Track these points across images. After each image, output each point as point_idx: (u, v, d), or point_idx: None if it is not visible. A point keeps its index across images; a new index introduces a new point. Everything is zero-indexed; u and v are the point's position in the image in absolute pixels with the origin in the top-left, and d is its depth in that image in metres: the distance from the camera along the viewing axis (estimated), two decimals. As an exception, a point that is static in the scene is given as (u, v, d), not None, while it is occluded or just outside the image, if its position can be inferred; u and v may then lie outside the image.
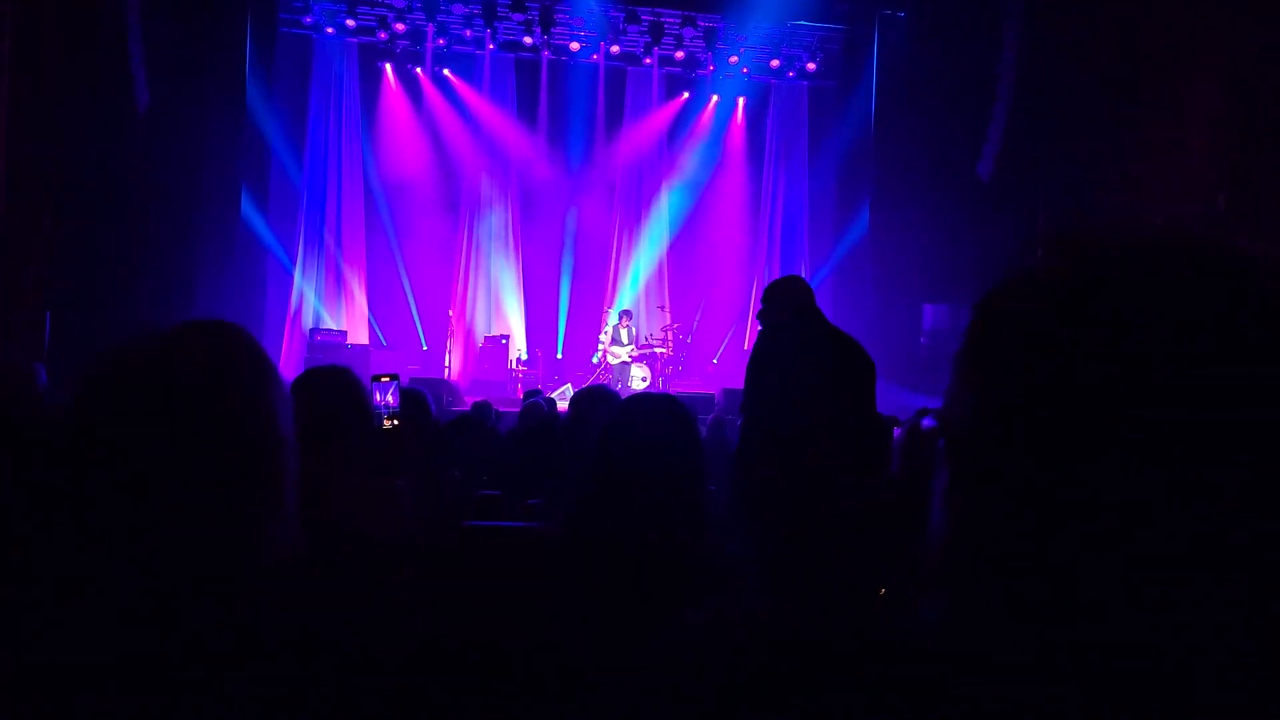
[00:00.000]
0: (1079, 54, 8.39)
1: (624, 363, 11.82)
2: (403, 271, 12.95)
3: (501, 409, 7.73)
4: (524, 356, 12.61)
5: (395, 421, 1.96)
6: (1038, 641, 0.49)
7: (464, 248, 13.27)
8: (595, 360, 12.38)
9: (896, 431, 4.00)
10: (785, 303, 2.92)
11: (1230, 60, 6.59)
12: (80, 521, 0.81)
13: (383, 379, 2.06)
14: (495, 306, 13.34)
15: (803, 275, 13.64)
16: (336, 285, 12.69)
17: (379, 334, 12.92)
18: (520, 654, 1.25)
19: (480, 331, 13.03)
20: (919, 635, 0.55)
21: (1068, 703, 0.47)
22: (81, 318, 6.71)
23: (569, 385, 11.26)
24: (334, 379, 1.79)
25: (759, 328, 3.10)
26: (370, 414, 1.89)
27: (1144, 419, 0.45)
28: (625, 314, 12.24)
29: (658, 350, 12.10)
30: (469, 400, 9.03)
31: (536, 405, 4.60)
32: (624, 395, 2.44)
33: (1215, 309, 0.47)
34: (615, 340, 11.96)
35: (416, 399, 2.63)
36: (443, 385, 10.53)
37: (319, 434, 0.97)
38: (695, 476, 1.49)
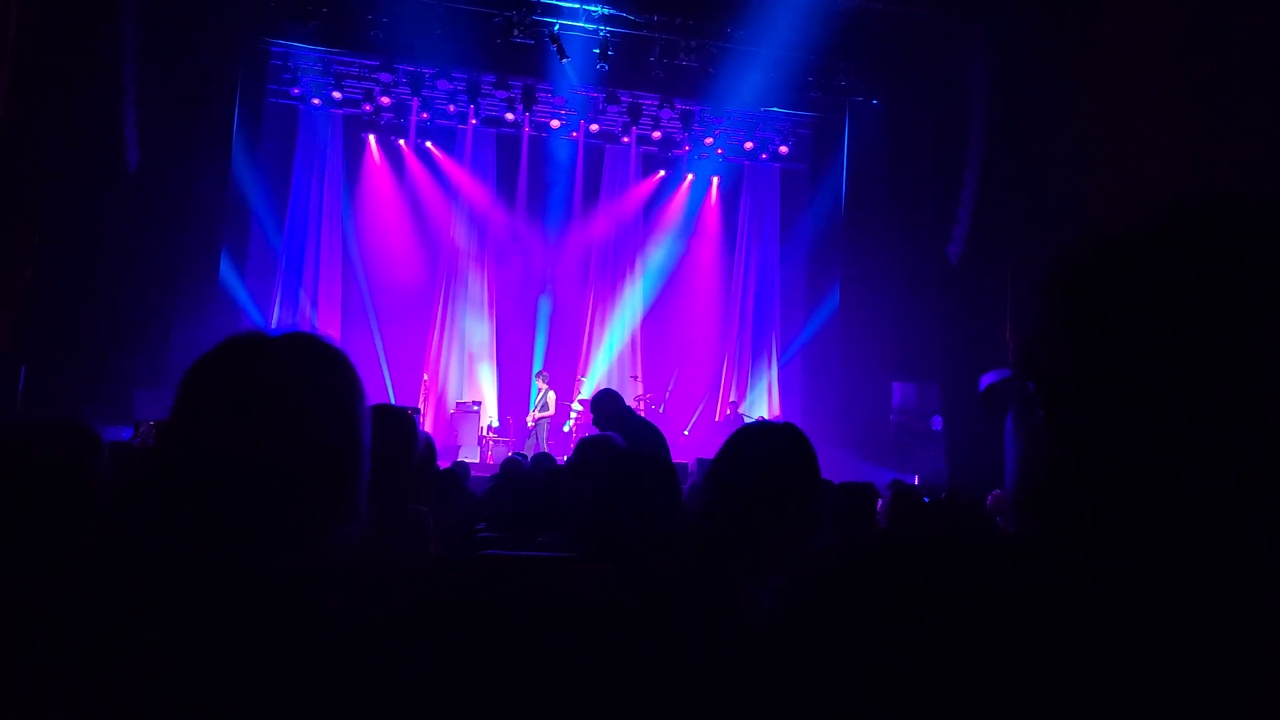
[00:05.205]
0: (1046, 138, 8.82)
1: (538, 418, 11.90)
2: (377, 337, 12.96)
3: (473, 474, 7.67)
4: (495, 424, 12.57)
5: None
6: (1127, 548, 0.54)
7: (439, 315, 13.35)
8: (566, 429, 12.37)
9: (879, 502, 4.08)
10: (609, 404, 4.82)
11: (1193, 133, 6.93)
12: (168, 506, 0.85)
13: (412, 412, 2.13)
14: (468, 373, 13.35)
15: (773, 350, 13.94)
16: (309, 349, 12.63)
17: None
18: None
19: (452, 397, 12.99)
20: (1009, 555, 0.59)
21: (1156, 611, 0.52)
22: (56, 372, 6.63)
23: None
24: (385, 411, 1.89)
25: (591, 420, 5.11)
26: (414, 448, 1.97)
27: (1251, 366, 0.50)
28: (539, 375, 12.37)
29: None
30: (441, 465, 8.96)
31: (516, 462, 4.71)
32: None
33: None
34: (544, 406, 12.02)
35: (427, 436, 2.69)
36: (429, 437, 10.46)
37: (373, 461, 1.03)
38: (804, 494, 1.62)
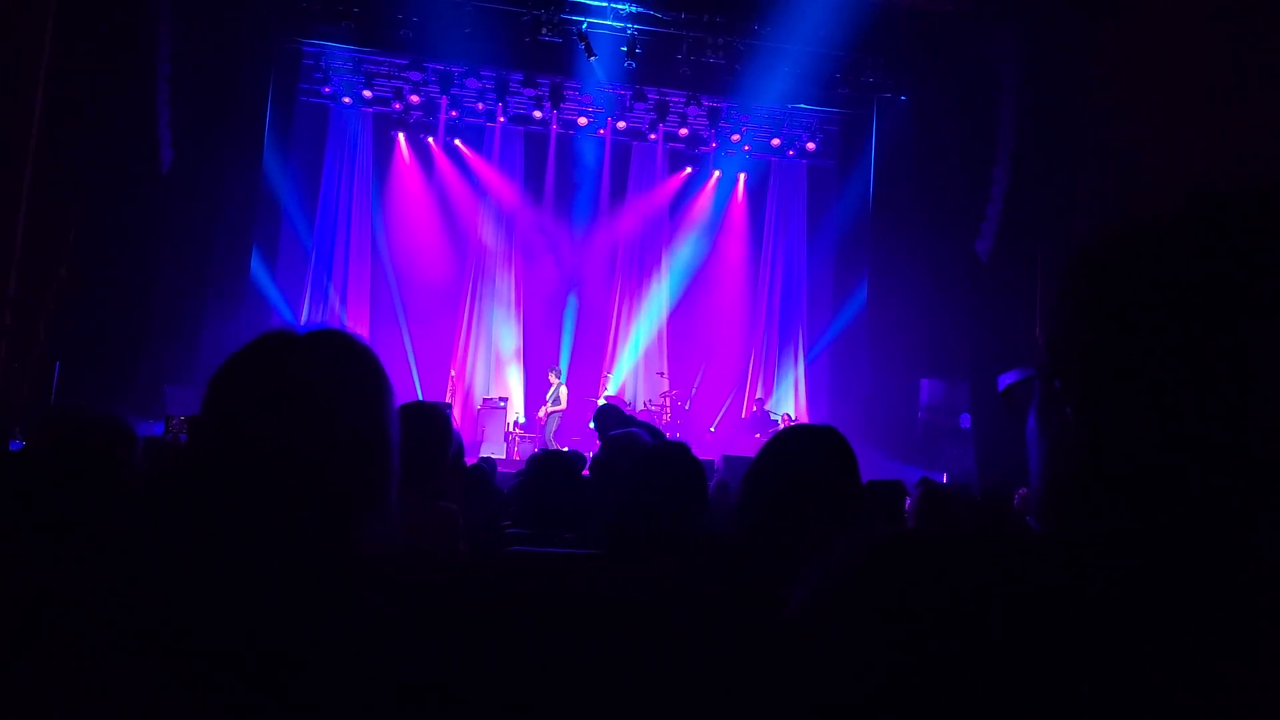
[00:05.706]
0: (1076, 135, 8.68)
1: (550, 412, 11.92)
2: (405, 334, 13.07)
3: (500, 469, 7.70)
4: (521, 419, 12.63)
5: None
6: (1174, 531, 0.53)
7: (467, 311, 13.44)
8: (593, 425, 12.38)
9: (908, 501, 4.03)
10: (613, 418, 4.90)
11: (1223, 130, 6.79)
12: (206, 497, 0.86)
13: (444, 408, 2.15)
14: (495, 369, 13.42)
15: (800, 347, 13.86)
16: (339, 345, 12.78)
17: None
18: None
19: (479, 393, 13.07)
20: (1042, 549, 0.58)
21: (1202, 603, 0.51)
22: (90, 367, 6.77)
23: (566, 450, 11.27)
24: (421, 408, 1.91)
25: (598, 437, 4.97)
26: (447, 445, 1.99)
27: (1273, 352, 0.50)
28: (552, 370, 12.39)
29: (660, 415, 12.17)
30: (468, 461, 9.01)
31: (541, 458, 4.70)
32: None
33: None
34: (555, 400, 12.05)
35: (458, 436, 2.72)
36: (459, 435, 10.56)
37: (406, 458, 1.03)
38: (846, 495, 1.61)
